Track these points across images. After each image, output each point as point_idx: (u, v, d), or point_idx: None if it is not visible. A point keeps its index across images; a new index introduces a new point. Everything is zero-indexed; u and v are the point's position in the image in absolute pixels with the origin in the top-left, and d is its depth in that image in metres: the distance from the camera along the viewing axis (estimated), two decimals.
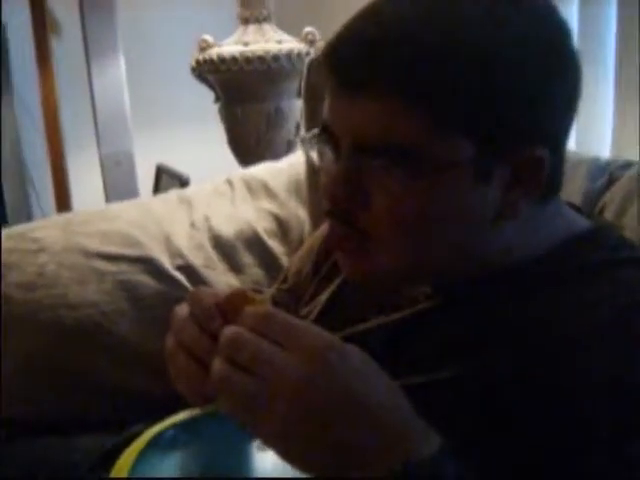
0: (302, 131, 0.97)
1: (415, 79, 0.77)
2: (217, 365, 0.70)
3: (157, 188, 2.42)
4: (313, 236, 1.18)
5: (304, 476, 0.73)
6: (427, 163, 0.78)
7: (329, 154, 0.85)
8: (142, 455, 0.84)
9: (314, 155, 0.91)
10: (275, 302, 1.12)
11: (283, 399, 0.67)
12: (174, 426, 0.89)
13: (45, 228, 1.45)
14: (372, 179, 0.80)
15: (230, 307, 0.79)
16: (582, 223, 0.90)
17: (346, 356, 0.69)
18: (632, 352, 0.76)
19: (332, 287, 1.01)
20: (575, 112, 0.86)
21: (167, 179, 2.34)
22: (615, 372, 0.75)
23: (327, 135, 0.84)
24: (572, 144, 1.68)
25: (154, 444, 0.86)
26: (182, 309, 0.84)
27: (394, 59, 0.77)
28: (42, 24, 2.58)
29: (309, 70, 1.50)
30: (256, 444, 0.86)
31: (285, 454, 0.69)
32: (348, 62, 0.80)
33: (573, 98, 0.85)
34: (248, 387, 0.68)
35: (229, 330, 0.71)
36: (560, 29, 0.84)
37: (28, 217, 2.64)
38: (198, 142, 2.73)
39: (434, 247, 0.82)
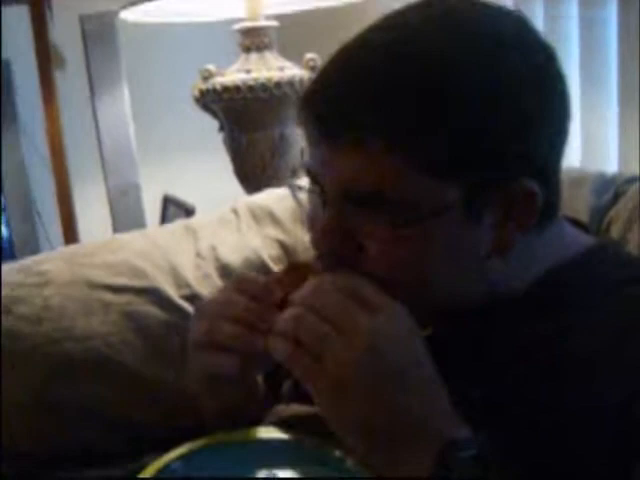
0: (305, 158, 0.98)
1: (395, 126, 0.76)
2: (291, 309, 0.74)
3: (164, 218, 2.42)
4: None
5: None
6: (414, 210, 0.77)
7: (316, 201, 0.85)
8: None
9: (303, 198, 0.91)
10: None
11: (355, 350, 0.70)
12: (179, 459, 0.89)
13: (50, 261, 1.45)
14: (360, 227, 0.80)
15: (293, 279, 0.82)
16: (585, 242, 0.89)
17: (417, 330, 0.74)
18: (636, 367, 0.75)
19: None
20: (565, 141, 0.85)
21: (174, 209, 2.34)
22: (627, 391, 0.73)
23: (313, 183, 0.84)
24: (577, 161, 1.67)
25: (160, 477, 0.85)
26: (213, 298, 0.88)
27: (372, 108, 0.76)
28: (46, 58, 2.58)
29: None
30: (264, 475, 0.85)
31: (334, 413, 0.72)
32: (325, 112, 0.80)
33: (562, 127, 0.83)
34: (323, 332, 0.71)
35: (313, 282, 0.76)
36: (546, 59, 0.82)
37: (35, 250, 2.64)
38: (204, 172, 2.73)
39: (427, 289, 0.82)
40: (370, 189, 0.77)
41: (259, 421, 0.96)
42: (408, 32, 0.79)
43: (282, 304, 0.81)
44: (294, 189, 0.91)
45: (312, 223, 0.86)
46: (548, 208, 0.83)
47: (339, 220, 0.81)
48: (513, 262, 0.84)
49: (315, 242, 0.83)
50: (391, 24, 0.81)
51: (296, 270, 0.86)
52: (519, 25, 0.82)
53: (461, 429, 0.70)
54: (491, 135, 0.77)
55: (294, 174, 2.07)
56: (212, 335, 0.84)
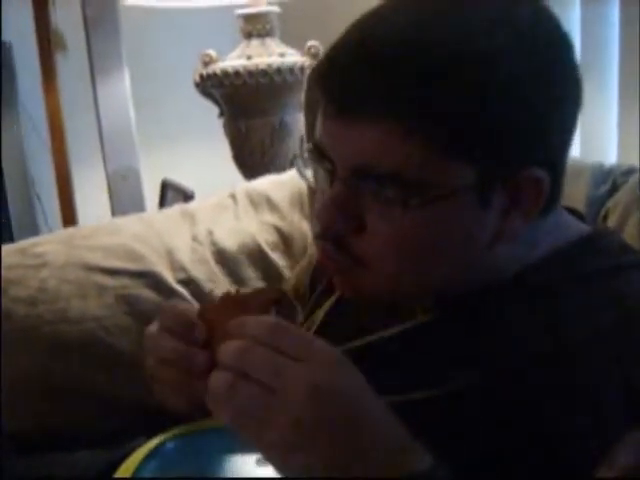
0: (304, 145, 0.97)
1: (414, 105, 0.74)
2: (221, 375, 0.69)
3: (162, 203, 2.42)
4: (311, 250, 1.17)
5: None
6: (427, 191, 0.76)
7: (323, 176, 0.83)
8: (141, 466, 0.84)
9: (308, 174, 0.89)
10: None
11: (293, 409, 0.66)
12: (174, 438, 0.89)
13: (47, 243, 1.45)
14: (368, 205, 0.79)
15: (220, 313, 0.78)
16: (582, 230, 0.89)
17: (354, 371, 0.70)
18: (636, 352, 0.75)
19: (329, 302, 1.00)
20: (575, 130, 0.84)
21: (172, 194, 2.34)
22: (619, 372, 0.74)
23: (321, 156, 0.82)
24: (577, 152, 1.67)
25: (153, 456, 0.86)
26: (153, 327, 0.83)
27: (392, 84, 0.75)
28: (47, 41, 2.58)
29: (309, 83, 1.50)
30: (256, 459, 0.85)
31: (287, 468, 0.68)
32: (342, 89, 0.78)
33: (572, 115, 0.83)
34: (256, 396, 0.67)
35: (236, 342, 0.70)
36: (561, 47, 0.82)
37: (34, 233, 2.64)
38: (203, 157, 2.74)
39: (429, 272, 0.81)
40: (386, 169, 0.76)
41: None
42: (424, 16, 0.78)
43: (205, 343, 0.78)
44: (298, 161, 0.88)
45: (317, 197, 0.85)
46: (552, 196, 0.83)
47: (346, 196, 0.79)
48: (515, 248, 0.84)
49: (317, 215, 0.82)
50: (407, 3, 0.80)
51: (224, 305, 0.80)
52: (538, 13, 0.81)
53: (424, 458, 0.68)
54: (507, 121, 0.76)
55: (300, 160, 2.07)
56: (156, 372, 0.82)
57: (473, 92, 0.75)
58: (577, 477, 0.70)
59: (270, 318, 0.75)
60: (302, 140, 2.10)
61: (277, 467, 0.69)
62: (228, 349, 0.70)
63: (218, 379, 0.69)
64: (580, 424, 0.74)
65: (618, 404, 0.73)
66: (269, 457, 0.69)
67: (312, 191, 1.44)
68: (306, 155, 0.85)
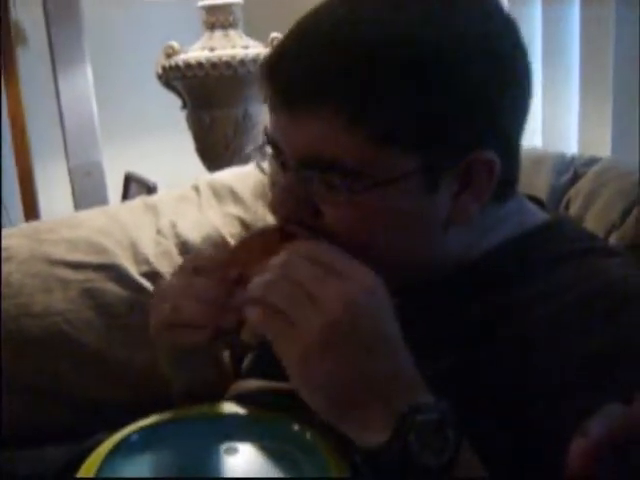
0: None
1: (352, 95, 0.76)
2: (261, 277, 0.75)
3: (125, 196, 2.40)
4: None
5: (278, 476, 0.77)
6: (371, 179, 0.78)
7: (276, 166, 0.86)
8: (107, 459, 0.84)
9: (265, 165, 0.92)
10: None
11: (328, 317, 0.70)
12: (139, 430, 0.89)
13: (11, 237, 1.44)
14: (319, 193, 0.81)
15: (250, 251, 0.83)
16: (541, 217, 0.91)
17: (389, 299, 0.74)
18: (595, 328, 0.77)
19: None
20: (527, 113, 0.85)
21: (135, 187, 2.33)
22: (582, 344, 0.76)
23: (273, 148, 0.85)
24: (539, 143, 1.68)
25: (119, 448, 0.86)
26: (172, 279, 0.89)
27: (332, 79, 0.77)
28: (7, 35, 2.55)
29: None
30: (225, 448, 0.85)
31: (305, 374, 0.72)
32: (286, 81, 0.80)
33: (522, 98, 0.84)
34: (294, 297, 0.72)
35: (285, 251, 0.76)
36: (505, 27, 0.83)
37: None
38: (166, 149, 2.72)
39: (385, 256, 0.82)
40: (327, 157, 0.78)
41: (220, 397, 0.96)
42: (361, 8, 0.79)
43: (239, 279, 0.82)
44: (255, 153, 0.91)
45: (272, 188, 0.88)
46: (507, 181, 0.84)
47: (297, 185, 0.82)
48: (471, 233, 0.85)
49: (273, 205, 0.85)
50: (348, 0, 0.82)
51: (254, 241, 0.87)
52: None
53: (426, 396, 0.71)
54: (450, 106, 0.78)
55: (257, 152, 2.07)
56: (177, 314, 0.85)
57: (412, 79, 0.76)
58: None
59: (321, 241, 0.80)
60: (265, 131, 2.10)
61: (294, 373, 0.72)
62: (273, 260, 0.75)
63: (261, 279, 0.74)
64: (543, 407, 0.75)
65: (580, 377, 0.75)
66: (289, 360, 0.72)
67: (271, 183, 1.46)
68: (264, 147, 0.88)
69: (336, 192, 0.79)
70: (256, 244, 0.85)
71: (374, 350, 0.71)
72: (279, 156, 0.84)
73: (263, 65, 0.83)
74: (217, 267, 0.85)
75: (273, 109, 0.83)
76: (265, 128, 0.87)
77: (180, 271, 0.89)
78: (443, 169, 0.79)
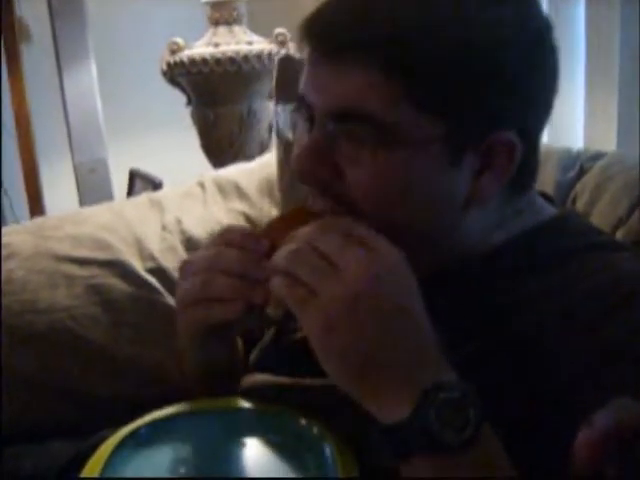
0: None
1: (396, 53, 0.78)
2: (290, 245, 0.76)
3: (130, 192, 2.40)
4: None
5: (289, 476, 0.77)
6: (398, 136, 0.79)
7: (303, 126, 0.86)
8: (116, 451, 0.84)
9: (286, 131, 0.92)
10: None
11: (351, 287, 0.71)
12: (148, 424, 0.89)
13: (15, 233, 1.43)
14: (343, 149, 0.82)
15: (281, 228, 0.84)
16: (550, 211, 0.91)
17: (412, 275, 0.74)
18: (604, 322, 0.77)
19: None
20: (551, 107, 0.86)
21: (140, 183, 2.32)
22: (591, 338, 0.77)
23: (302, 106, 0.85)
24: (545, 138, 1.68)
25: (128, 441, 0.86)
26: (201, 253, 0.88)
27: (378, 31, 0.78)
28: (12, 32, 2.55)
29: (279, 68, 1.50)
30: (231, 442, 0.85)
31: (324, 343, 0.72)
32: (332, 29, 0.81)
33: (549, 91, 0.86)
34: (318, 266, 0.72)
35: (313, 224, 0.77)
36: (542, 22, 0.85)
37: (1, 226, 2.61)
38: (171, 146, 2.72)
39: (405, 232, 0.82)
40: (361, 109, 0.79)
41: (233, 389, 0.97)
42: None
43: (270, 253, 0.82)
44: (279, 116, 0.92)
45: (295, 148, 0.88)
46: (526, 169, 0.85)
47: (323, 141, 0.82)
48: (489, 221, 0.86)
49: (296, 161, 0.85)
50: None
51: (284, 220, 0.87)
52: None
53: (449, 374, 0.71)
54: (482, 81, 0.79)
55: (262, 148, 2.07)
56: (207, 288, 0.85)
57: (451, 50, 0.78)
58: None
59: (348, 217, 0.80)
60: (271, 128, 2.10)
61: (317, 343, 0.72)
62: (305, 228, 0.77)
63: (286, 248, 0.76)
64: (551, 400, 0.75)
65: (589, 370, 0.75)
66: (311, 330, 0.73)
67: (283, 170, 1.48)
68: (289, 110, 0.89)
69: (362, 147, 0.80)
70: (285, 223, 0.85)
71: (397, 323, 0.72)
72: (307, 114, 0.85)
73: (303, 22, 0.84)
74: (248, 240, 0.85)
75: (311, 64, 0.84)
76: (270, 125, 0.88)
77: (209, 245, 0.89)
78: (467, 142, 0.81)
